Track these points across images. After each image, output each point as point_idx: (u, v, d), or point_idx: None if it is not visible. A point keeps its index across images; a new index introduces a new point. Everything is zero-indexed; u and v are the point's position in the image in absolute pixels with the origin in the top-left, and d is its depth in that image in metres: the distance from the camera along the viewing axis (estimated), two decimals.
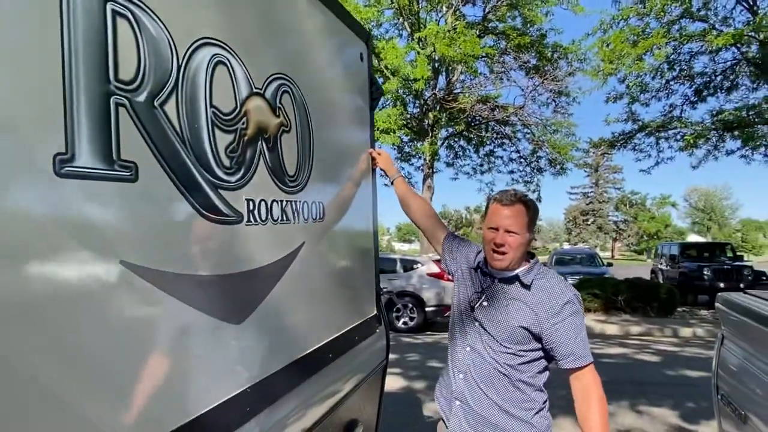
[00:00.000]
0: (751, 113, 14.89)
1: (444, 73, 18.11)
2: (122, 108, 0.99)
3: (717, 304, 2.48)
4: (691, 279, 15.41)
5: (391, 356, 7.99)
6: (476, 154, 20.26)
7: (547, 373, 1.84)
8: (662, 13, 13.91)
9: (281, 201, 1.55)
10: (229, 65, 1.33)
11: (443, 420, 1.94)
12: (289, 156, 1.61)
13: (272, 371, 1.48)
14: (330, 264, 1.96)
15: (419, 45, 15.80)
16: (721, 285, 14.00)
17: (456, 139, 19.93)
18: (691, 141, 15.65)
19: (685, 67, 15.54)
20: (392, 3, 16.76)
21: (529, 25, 17.09)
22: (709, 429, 4.46)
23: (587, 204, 64.12)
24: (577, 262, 17.94)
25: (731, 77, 15.38)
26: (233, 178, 1.33)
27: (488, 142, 19.82)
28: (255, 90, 1.45)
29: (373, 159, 2.35)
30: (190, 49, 1.19)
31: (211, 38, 1.26)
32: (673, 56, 15.07)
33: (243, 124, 1.38)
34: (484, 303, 1.84)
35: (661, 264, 19.24)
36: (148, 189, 1.05)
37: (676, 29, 14.41)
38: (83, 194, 0.90)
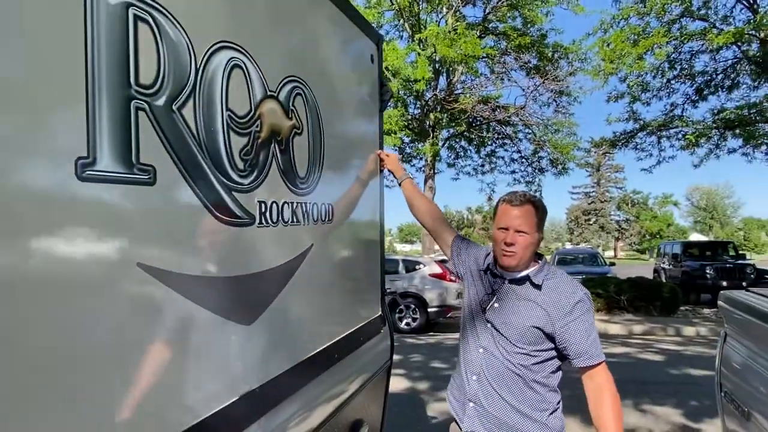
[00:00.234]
0: (752, 111, 14.90)
1: (445, 74, 18.13)
2: (142, 112, 1.00)
3: (720, 303, 2.49)
4: (693, 278, 15.39)
5: (395, 357, 7.98)
6: (477, 154, 20.26)
7: (560, 373, 1.85)
8: (663, 12, 13.93)
9: (292, 203, 1.56)
10: (245, 68, 1.34)
11: (456, 422, 1.95)
12: (300, 158, 1.62)
13: (280, 371, 1.50)
14: (337, 265, 1.98)
15: (420, 46, 15.82)
16: (724, 284, 13.98)
17: (457, 140, 19.93)
18: (693, 140, 15.65)
19: (686, 66, 15.56)
20: (392, 4, 16.78)
21: (529, 25, 17.12)
22: (712, 427, 4.47)
23: (589, 203, 64.01)
24: (579, 262, 17.94)
25: (732, 76, 15.40)
26: (246, 181, 1.34)
27: (489, 143, 19.82)
28: (269, 93, 1.46)
29: (381, 160, 2.36)
30: (208, 53, 1.20)
31: (228, 41, 1.27)
32: (673, 55, 15.09)
33: (257, 126, 1.39)
34: (496, 304, 1.85)
35: (663, 263, 19.22)
36: (164, 192, 1.06)
37: (676, 28, 14.42)
38: (103, 197, 0.91)
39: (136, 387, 0.99)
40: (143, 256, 1.00)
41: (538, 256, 1.90)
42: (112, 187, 0.93)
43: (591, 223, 63.62)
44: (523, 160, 19.70)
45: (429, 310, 10.61)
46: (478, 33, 16.62)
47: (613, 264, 19.21)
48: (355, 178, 2.13)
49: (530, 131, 18.86)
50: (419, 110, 18.08)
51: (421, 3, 16.82)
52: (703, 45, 14.57)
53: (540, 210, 1.84)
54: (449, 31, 15.58)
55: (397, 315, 10.65)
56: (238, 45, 1.31)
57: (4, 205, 0.74)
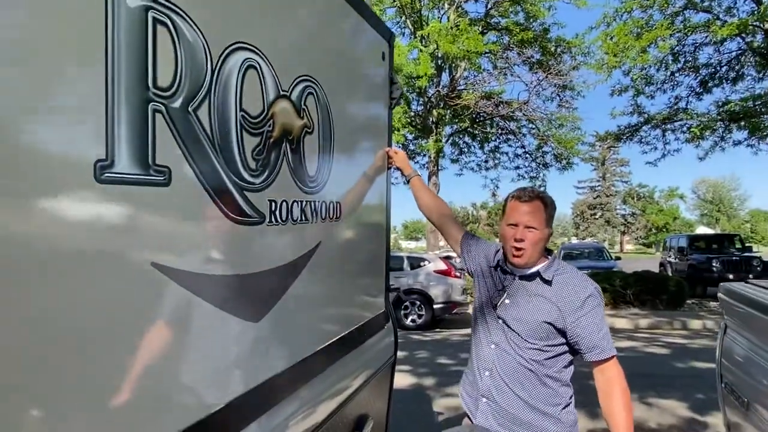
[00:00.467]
0: (757, 103, 14.81)
1: (447, 70, 18.10)
2: (159, 114, 1.01)
3: (719, 294, 2.50)
4: (700, 271, 15.35)
5: (400, 353, 8.00)
6: (481, 150, 20.21)
7: (572, 368, 1.86)
8: (666, 5, 13.88)
9: (301, 201, 1.57)
10: (259, 69, 1.34)
11: (468, 417, 1.97)
12: (310, 157, 1.62)
13: (288, 366, 1.52)
14: (343, 262, 1.98)
15: (422, 43, 15.81)
16: (730, 276, 13.92)
17: (460, 136, 19.91)
18: (698, 132, 15.60)
19: (690, 59, 15.50)
20: (394, 1, 16.77)
21: (531, 20, 17.06)
22: (717, 420, 4.47)
23: (595, 198, 63.76)
24: (585, 257, 17.89)
25: (736, 67, 15.31)
26: (258, 180, 1.35)
27: (493, 138, 19.78)
28: (282, 93, 1.46)
29: (390, 158, 2.35)
30: (224, 54, 1.20)
31: (243, 42, 1.28)
32: (677, 48, 15.02)
33: (269, 126, 1.40)
34: (507, 301, 1.86)
35: (669, 257, 19.16)
36: (179, 193, 1.07)
37: (680, 20, 14.36)
38: (120, 199, 0.92)
39: (152, 379, 1.02)
40: (157, 255, 1.01)
41: (547, 252, 1.90)
42: (128, 189, 0.94)
43: (597, 217, 63.38)
44: (527, 155, 19.66)
45: (434, 306, 10.63)
46: (480, 28, 16.57)
47: (618, 258, 19.16)
48: (363, 176, 2.13)
49: (534, 126, 18.80)
50: (422, 107, 18.07)
51: None
52: (706, 37, 14.50)
53: (549, 205, 1.84)
54: (451, 27, 15.55)
55: (402, 312, 10.69)
56: (253, 46, 1.31)
57: (26, 207, 0.76)
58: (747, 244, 18.52)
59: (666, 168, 68.27)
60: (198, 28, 1.11)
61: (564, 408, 1.81)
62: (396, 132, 15.41)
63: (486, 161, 20.21)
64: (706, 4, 14.16)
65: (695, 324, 10.20)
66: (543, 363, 1.79)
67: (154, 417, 1.03)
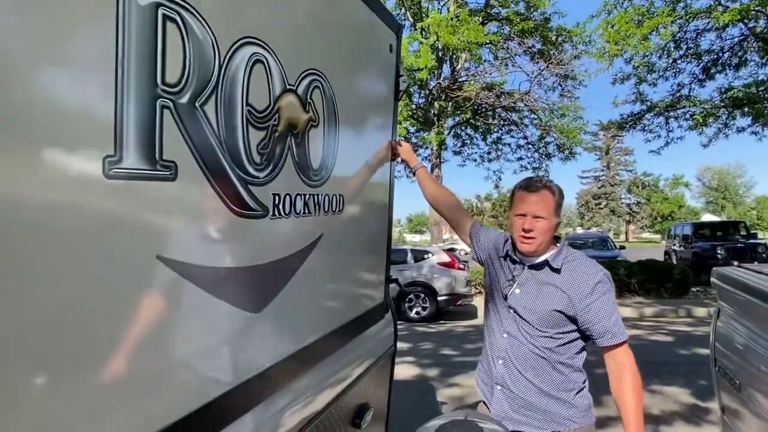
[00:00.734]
0: (760, 89, 14.72)
1: (448, 62, 18.04)
2: (167, 110, 1.01)
3: (712, 279, 2.51)
4: (704, 258, 15.33)
5: (405, 345, 8.06)
6: (483, 141, 20.16)
7: (584, 353, 1.87)
8: None
9: (304, 194, 1.57)
10: (266, 63, 1.33)
11: (484, 403, 2.00)
12: (314, 150, 1.62)
13: (289, 354, 1.55)
14: (345, 253, 1.99)
15: (422, 35, 15.75)
16: (735, 263, 13.90)
17: (463, 128, 19.86)
18: (701, 119, 15.52)
19: (692, 45, 15.38)
20: None
21: (532, 9, 16.94)
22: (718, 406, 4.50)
23: (599, 187, 63.56)
24: (588, 246, 17.88)
25: (739, 53, 15.19)
26: (262, 174, 1.35)
27: (495, 130, 19.72)
28: (288, 87, 1.45)
29: (394, 150, 2.34)
30: (232, 49, 1.20)
31: (252, 37, 1.27)
32: (679, 35, 14.91)
33: (275, 121, 1.39)
34: (517, 290, 1.88)
35: (674, 245, 19.12)
36: (184, 187, 1.08)
37: (681, 7, 14.24)
38: (126, 194, 0.94)
39: (157, 367, 1.06)
40: (162, 248, 1.03)
41: (556, 239, 1.92)
42: (135, 184, 0.95)
43: (601, 207, 63.21)
44: (530, 146, 19.59)
45: (438, 298, 10.66)
46: (480, 19, 16.49)
47: (623, 248, 19.14)
48: (367, 168, 2.12)
49: (536, 117, 18.73)
50: (423, 99, 18.03)
51: None
52: (708, 23, 14.38)
53: (557, 194, 1.85)
54: (451, 19, 15.49)
55: (407, 304, 10.72)
56: (261, 40, 1.30)
57: (36, 205, 0.78)
58: (752, 231, 18.44)
59: (670, 156, 67.90)
60: (207, 23, 1.11)
61: (578, 393, 1.83)
62: (398, 125, 15.36)
63: (488, 153, 20.17)
64: None
65: (700, 312, 10.20)
66: (555, 350, 1.81)
67: (159, 401, 1.06)
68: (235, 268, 1.29)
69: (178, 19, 1.03)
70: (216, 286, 1.21)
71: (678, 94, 16.25)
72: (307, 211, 1.60)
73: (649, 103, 16.64)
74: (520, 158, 19.84)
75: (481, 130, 19.75)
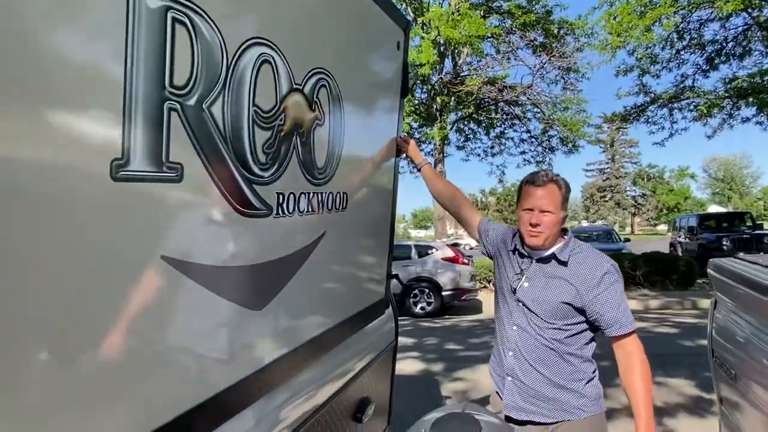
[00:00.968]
0: (765, 79, 14.59)
1: (450, 57, 17.98)
2: (174, 112, 1.02)
3: (709, 270, 2.52)
4: (710, 250, 15.27)
5: (410, 340, 8.06)
6: (486, 136, 20.11)
7: (594, 344, 1.90)
8: None
9: (308, 193, 1.57)
10: (273, 63, 1.33)
11: (497, 393, 2.03)
12: (320, 149, 1.62)
13: (290, 350, 1.57)
14: (347, 250, 2.01)
15: (423, 30, 15.71)
16: (741, 254, 13.86)
17: (465, 123, 19.81)
18: (705, 110, 15.42)
19: (695, 36, 15.25)
20: None
21: (533, 2, 16.84)
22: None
23: (604, 180, 63.26)
24: (593, 239, 17.85)
25: (743, 43, 15.06)
26: (267, 174, 1.35)
27: (498, 124, 19.66)
28: (295, 86, 1.44)
29: (399, 147, 2.34)
30: (240, 50, 1.20)
31: (259, 37, 1.26)
32: (682, 25, 14.78)
33: (281, 120, 1.39)
34: (525, 284, 1.90)
35: (679, 237, 19.06)
36: (189, 188, 1.09)
37: None
38: (132, 195, 0.94)
39: (163, 363, 1.09)
40: (166, 249, 1.04)
41: (563, 232, 1.95)
42: (141, 186, 0.96)
43: (606, 200, 62.92)
44: (533, 139, 19.52)
45: (443, 293, 10.69)
46: (481, 13, 16.43)
47: (627, 240, 19.08)
48: (372, 166, 2.12)
49: (539, 110, 18.66)
50: (426, 95, 17.99)
51: None
52: (711, 13, 14.25)
53: (563, 188, 1.87)
54: (452, 13, 15.43)
55: (411, 300, 10.75)
56: (269, 40, 1.29)
57: (46, 207, 0.80)
58: (758, 222, 18.34)
59: (675, 148, 67.40)
60: (215, 25, 1.10)
61: (588, 383, 1.85)
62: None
63: (492, 147, 20.12)
64: None
65: (705, 303, 10.14)
66: (564, 341, 1.84)
67: (165, 395, 1.10)
68: (237, 267, 1.30)
69: (187, 21, 1.03)
70: (219, 285, 1.22)
71: (682, 86, 16.14)
72: (310, 210, 1.60)
73: (652, 95, 16.53)
74: (524, 152, 19.79)
75: (483, 124, 19.69)
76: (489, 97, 17.71)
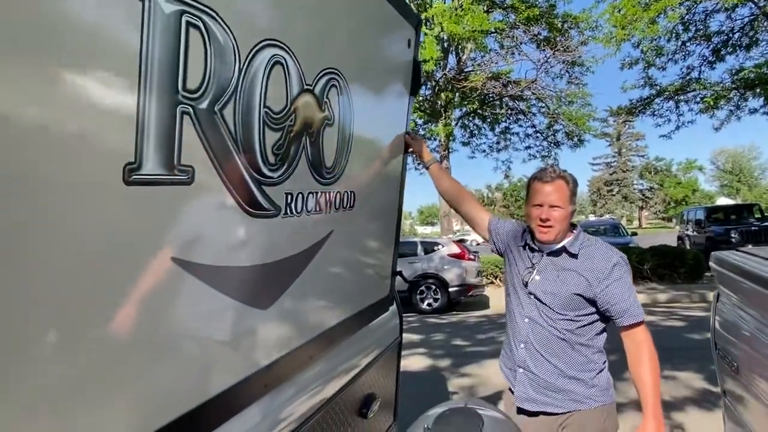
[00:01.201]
0: None
1: (453, 53, 17.94)
2: (186, 116, 1.02)
3: (711, 263, 2.53)
4: (718, 243, 15.13)
5: (417, 336, 8.08)
6: (492, 131, 20.07)
7: (604, 334, 1.94)
8: None
9: (316, 192, 1.58)
10: (285, 65, 1.32)
11: (509, 389, 2.06)
12: (328, 149, 1.62)
13: (298, 346, 1.59)
14: (354, 248, 2.02)
15: (426, 26, 15.67)
16: (750, 246, 13.77)
17: (470, 118, 19.78)
18: (711, 102, 15.31)
19: (701, 27, 15.14)
20: None
21: None
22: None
23: (611, 174, 62.91)
24: (600, 233, 17.78)
25: (750, 33, 14.93)
26: (276, 174, 1.35)
27: (503, 119, 19.61)
28: (306, 87, 1.44)
29: (407, 144, 2.34)
30: (252, 53, 1.20)
31: (271, 39, 1.26)
32: (687, 17, 14.68)
33: (291, 121, 1.39)
34: (537, 277, 1.94)
35: (687, 230, 18.93)
36: (200, 190, 1.09)
37: None
38: (144, 199, 0.95)
39: (174, 361, 1.11)
40: (177, 250, 1.06)
41: (572, 226, 1.98)
42: (153, 189, 0.96)
43: (614, 193, 62.61)
44: (538, 134, 19.47)
45: (450, 290, 10.71)
46: (485, 8, 16.35)
47: (635, 234, 19.00)
48: (379, 164, 2.12)
49: (544, 105, 18.60)
50: (430, 91, 17.96)
51: None
52: (717, 3, 14.13)
53: (571, 183, 1.92)
54: (456, 8, 15.38)
55: (418, 296, 10.77)
56: (281, 42, 1.29)
57: (60, 211, 0.81)
58: (766, 214, 18.18)
59: (683, 140, 67.16)
60: (228, 28, 1.10)
61: (598, 373, 1.89)
62: None
63: (497, 143, 20.08)
64: None
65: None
66: (575, 332, 1.87)
67: (177, 391, 1.13)
68: (246, 267, 1.31)
69: (201, 25, 1.03)
70: (227, 286, 1.24)
71: (688, 78, 16.04)
72: (318, 209, 1.61)
73: (658, 88, 16.44)
74: (529, 147, 19.77)
75: (488, 120, 19.66)
76: (493, 93, 17.66)
